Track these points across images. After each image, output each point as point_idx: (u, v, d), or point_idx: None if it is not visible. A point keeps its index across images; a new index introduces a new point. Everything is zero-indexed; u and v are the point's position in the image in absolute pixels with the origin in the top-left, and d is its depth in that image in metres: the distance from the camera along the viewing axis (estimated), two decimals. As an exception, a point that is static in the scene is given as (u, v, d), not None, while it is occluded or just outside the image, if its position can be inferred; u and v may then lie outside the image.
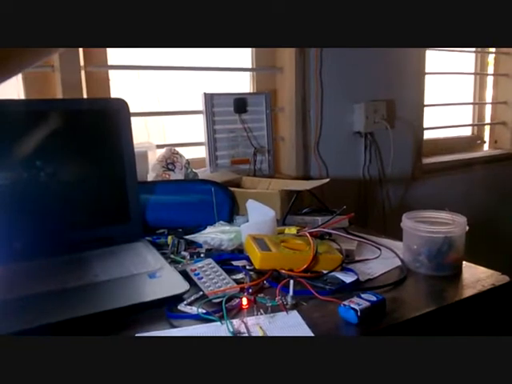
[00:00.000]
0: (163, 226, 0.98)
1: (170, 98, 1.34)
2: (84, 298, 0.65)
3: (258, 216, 0.83)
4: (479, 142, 2.13)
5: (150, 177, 1.13)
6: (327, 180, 1.05)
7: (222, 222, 0.93)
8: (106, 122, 0.86)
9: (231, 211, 1.03)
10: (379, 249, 0.84)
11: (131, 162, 0.90)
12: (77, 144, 0.86)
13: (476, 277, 0.76)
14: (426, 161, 1.79)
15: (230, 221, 0.99)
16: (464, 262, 0.80)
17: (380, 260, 0.82)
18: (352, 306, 0.60)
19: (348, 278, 0.73)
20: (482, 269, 0.79)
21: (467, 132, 2.13)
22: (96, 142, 0.86)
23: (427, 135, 1.83)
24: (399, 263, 0.80)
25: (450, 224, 0.78)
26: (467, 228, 0.77)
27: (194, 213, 1.00)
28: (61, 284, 0.68)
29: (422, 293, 0.73)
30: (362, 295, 0.63)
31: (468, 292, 0.70)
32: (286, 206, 1.01)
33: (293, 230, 0.85)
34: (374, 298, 0.62)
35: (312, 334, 0.55)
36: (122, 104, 0.86)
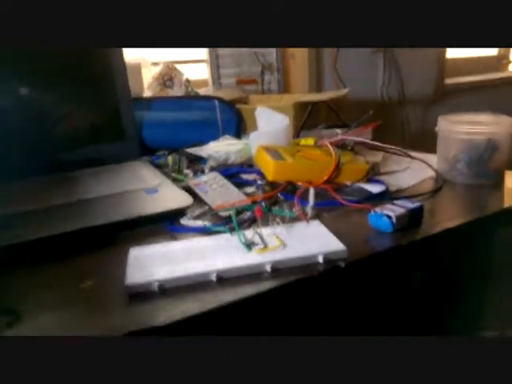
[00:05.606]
0: (162, 146, 0.88)
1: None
2: (71, 214, 0.56)
3: (270, 125, 0.72)
4: (505, 61, 1.96)
5: (146, 95, 1.02)
6: (346, 91, 0.92)
7: (227, 136, 0.82)
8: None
9: (238, 130, 0.92)
10: (411, 157, 0.74)
11: (122, 74, 0.78)
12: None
13: (521, 185, 0.66)
14: (449, 81, 1.64)
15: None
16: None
17: (410, 171, 0.72)
18: (386, 212, 0.50)
19: (375, 189, 0.63)
20: (527, 177, 0.69)
21: (492, 52, 1.96)
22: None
23: (449, 54, 1.67)
24: (432, 173, 0.70)
25: (494, 125, 0.67)
26: (513, 130, 0.66)
27: (196, 132, 0.90)
28: (46, 202, 0.59)
29: (461, 202, 0.63)
30: (396, 202, 0.53)
31: (516, 200, 0.61)
32: (300, 120, 0.90)
33: (310, 142, 0.74)
34: (410, 205, 0.53)
35: (340, 243, 0.46)
36: None
